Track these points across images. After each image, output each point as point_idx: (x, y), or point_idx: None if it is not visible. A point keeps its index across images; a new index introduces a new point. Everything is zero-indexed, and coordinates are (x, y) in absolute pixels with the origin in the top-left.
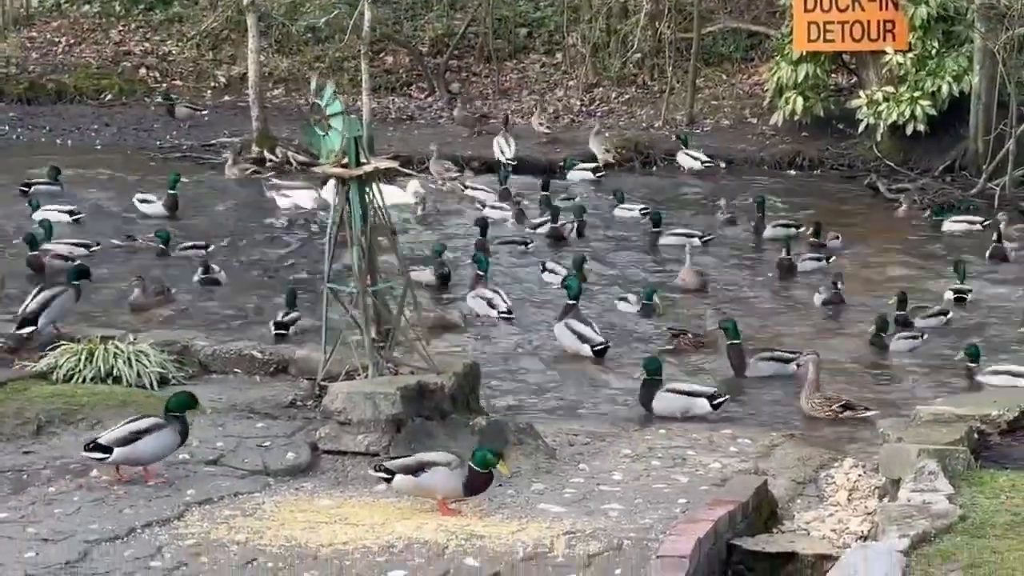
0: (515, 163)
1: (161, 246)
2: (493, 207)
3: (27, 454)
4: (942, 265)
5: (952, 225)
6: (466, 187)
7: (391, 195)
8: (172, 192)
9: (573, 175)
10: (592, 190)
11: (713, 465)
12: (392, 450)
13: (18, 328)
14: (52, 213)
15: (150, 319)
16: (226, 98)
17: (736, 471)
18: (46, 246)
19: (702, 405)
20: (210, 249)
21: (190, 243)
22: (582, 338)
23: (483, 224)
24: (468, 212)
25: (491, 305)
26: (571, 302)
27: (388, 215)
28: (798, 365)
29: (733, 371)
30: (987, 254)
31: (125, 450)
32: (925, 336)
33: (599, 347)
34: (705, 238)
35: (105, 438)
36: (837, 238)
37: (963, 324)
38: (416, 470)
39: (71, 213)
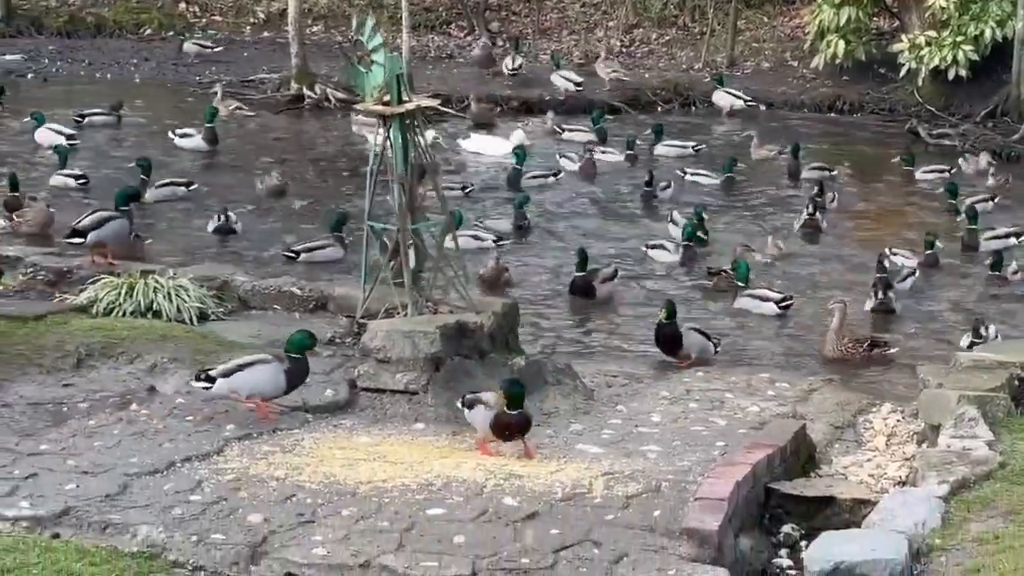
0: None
1: (142, 177)
2: (604, 151)
3: (67, 387)
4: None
5: (924, 175)
6: (563, 130)
7: (495, 146)
8: (210, 125)
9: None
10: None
11: (751, 408)
12: (431, 388)
13: (67, 238)
14: (51, 134)
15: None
16: (265, 34)
17: (774, 415)
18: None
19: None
20: (192, 187)
21: (168, 180)
22: (763, 299)
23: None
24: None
25: None
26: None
27: (431, 153)
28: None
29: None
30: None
31: (226, 382)
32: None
33: (783, 303)
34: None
35: (215, 370)
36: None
37: None
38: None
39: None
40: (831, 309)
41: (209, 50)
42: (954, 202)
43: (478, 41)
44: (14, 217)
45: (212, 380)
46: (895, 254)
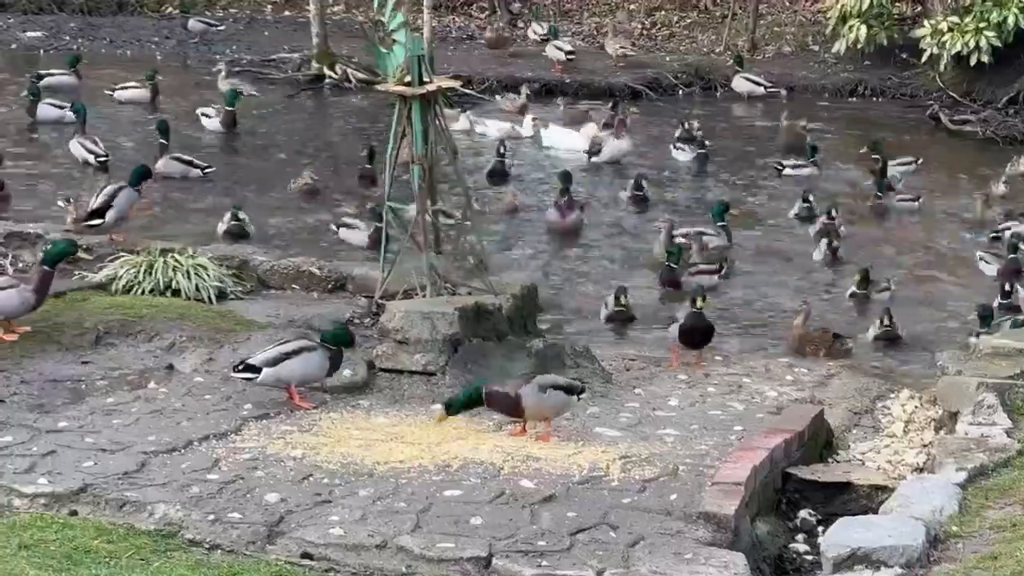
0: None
1: (161, 141)
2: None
3: (85, 364)
4: None
5: (895, 168)
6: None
7: (565, 140)
8: (230, 108)
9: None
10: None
11: (769, 393)
12: (449, 370)
13: (87, 220)
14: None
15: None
16: (286, 13)
17: (792, 400)
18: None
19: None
20: (209, 170)
21: (188, 157)
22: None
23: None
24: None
25: None
26: None
27: (450, 135)
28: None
29: None
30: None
31: (273, 371)
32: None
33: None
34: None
35: (256, 359)
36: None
37: None
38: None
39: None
40: (800, 309)
41: (214, 28)
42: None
43: (493, 22)
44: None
45: (254, 369)
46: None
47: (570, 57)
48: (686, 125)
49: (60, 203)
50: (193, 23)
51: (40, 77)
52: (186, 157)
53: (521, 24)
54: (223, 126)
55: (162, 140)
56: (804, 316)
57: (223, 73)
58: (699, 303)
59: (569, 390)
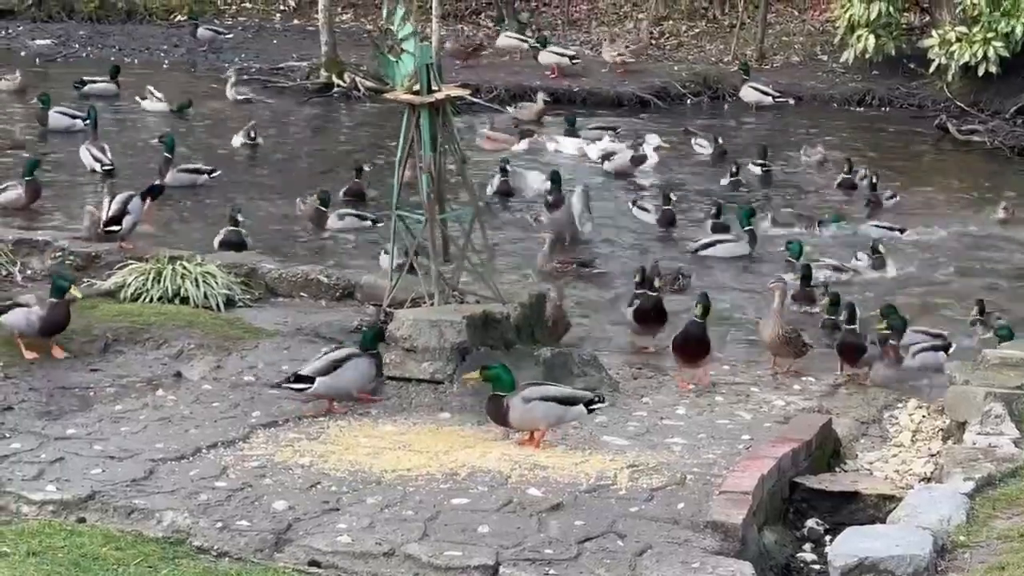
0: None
1: (166, 155)
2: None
3: (94, 371)
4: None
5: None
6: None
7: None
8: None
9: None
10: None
11: (777, 403)
12: (457, 378)
13: (105, 228)
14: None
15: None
16: (295, 22)
17: (800, 409)
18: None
19: None
20: (215, 174)
21: (192, 166)
22: None
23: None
24: None
25: None
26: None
27: (458, 142)
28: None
29: None
30: None
31: (328, 380)
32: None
33: None
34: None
35: (307, 369)
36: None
37: None
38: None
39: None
40: (772, 286)
41: (222, 36)
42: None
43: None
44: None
45: (306, 380)
46: None
47: (575, 61)
48: (717, 140)
49: (89, 208)
50: (202, 31)
51: (83, 83)
52: (191, 166)
53: (529, 33)
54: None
55: (167, 154)
56: (780, 295)
57: (232, 79)
58: (697, 311)
59: (566, 401)
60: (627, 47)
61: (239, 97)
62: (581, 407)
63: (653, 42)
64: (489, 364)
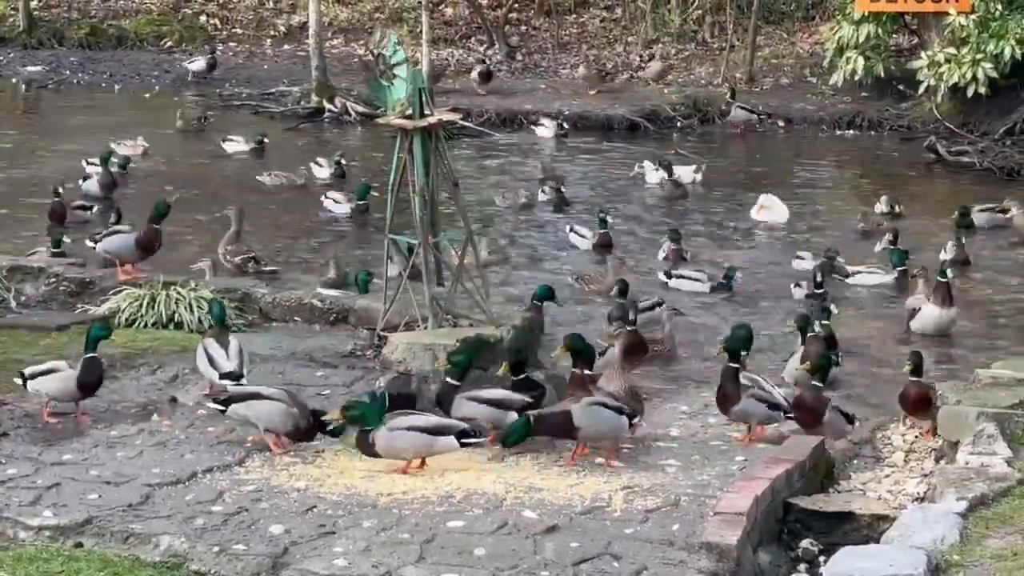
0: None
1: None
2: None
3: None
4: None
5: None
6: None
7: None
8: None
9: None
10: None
11: (770, 424)
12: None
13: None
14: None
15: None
16: (286, 47)
17: (793, 430)
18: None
19: None
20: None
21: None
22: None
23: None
24: None
25: None
26: None
27: (450, 166)
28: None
29: None
30: None
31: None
32: None
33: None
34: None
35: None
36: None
37: None
38: None
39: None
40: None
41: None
42: None
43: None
44: None
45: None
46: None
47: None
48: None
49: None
50: (192, 58)
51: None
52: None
53: (519, 57)
54: (253, 155)
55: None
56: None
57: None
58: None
59: (434, 431)
60: (599, 71)
61: (186, 125)
62: (451, 438)
63: (643, 65)
64: (350, 403)
